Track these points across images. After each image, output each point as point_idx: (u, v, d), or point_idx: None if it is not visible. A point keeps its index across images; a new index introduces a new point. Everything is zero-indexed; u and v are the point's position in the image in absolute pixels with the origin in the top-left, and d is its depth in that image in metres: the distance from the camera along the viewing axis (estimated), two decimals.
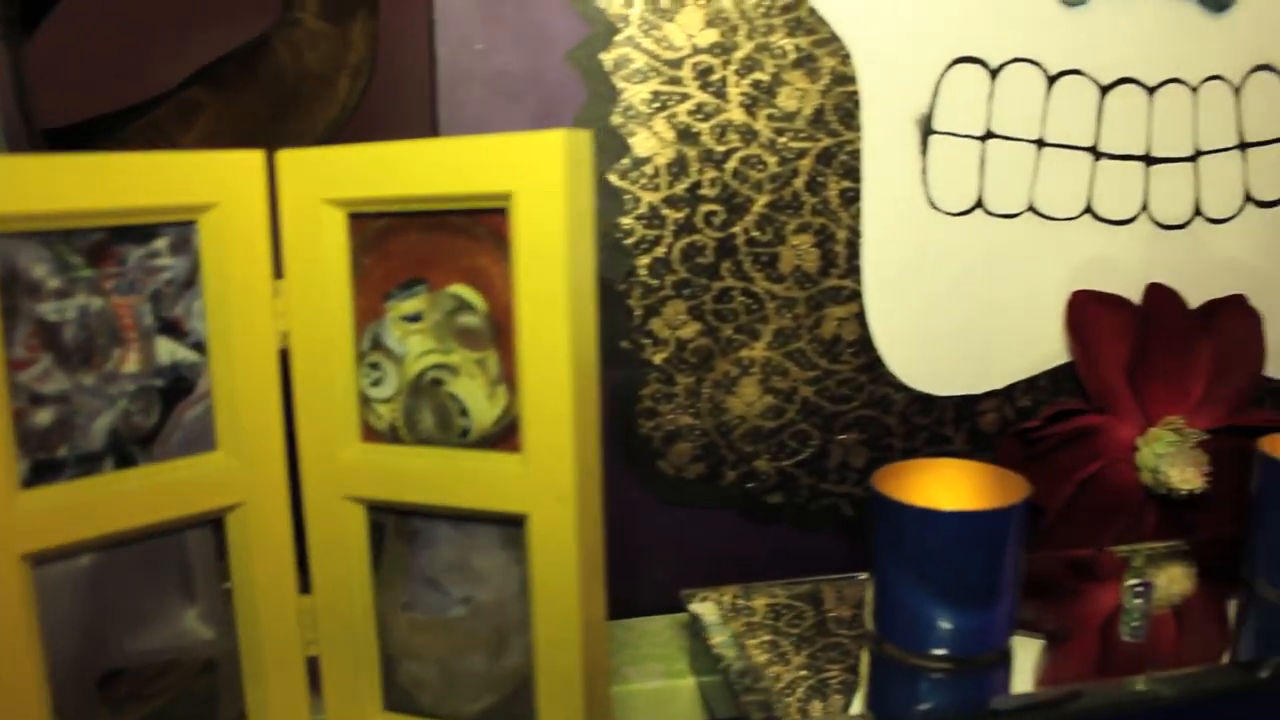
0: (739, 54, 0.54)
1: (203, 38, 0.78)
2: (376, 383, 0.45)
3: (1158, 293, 0.58)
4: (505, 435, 0.43)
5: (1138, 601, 0.50)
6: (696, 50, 0.53)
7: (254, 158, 0.44)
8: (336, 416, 0.45)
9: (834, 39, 0.54)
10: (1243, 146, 0.60)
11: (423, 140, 0.42)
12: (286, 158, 0.44)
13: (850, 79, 0.55)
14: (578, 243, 0.41)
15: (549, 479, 0.42)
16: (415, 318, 0.44)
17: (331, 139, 0.75)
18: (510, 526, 0.44)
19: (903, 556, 0.46)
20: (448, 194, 0.42)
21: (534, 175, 0.40)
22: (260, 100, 0.73)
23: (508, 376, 0.43)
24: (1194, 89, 0.59)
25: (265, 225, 0.45)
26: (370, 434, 0.46)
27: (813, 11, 0.54)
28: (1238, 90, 0.59)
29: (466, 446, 0.44)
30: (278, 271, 0.45)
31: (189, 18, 0.83)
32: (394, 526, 0.46)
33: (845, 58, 0.55)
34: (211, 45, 0.70)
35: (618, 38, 0.52)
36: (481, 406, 0.43)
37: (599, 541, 0.43)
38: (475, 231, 0.43)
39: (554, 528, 0.42)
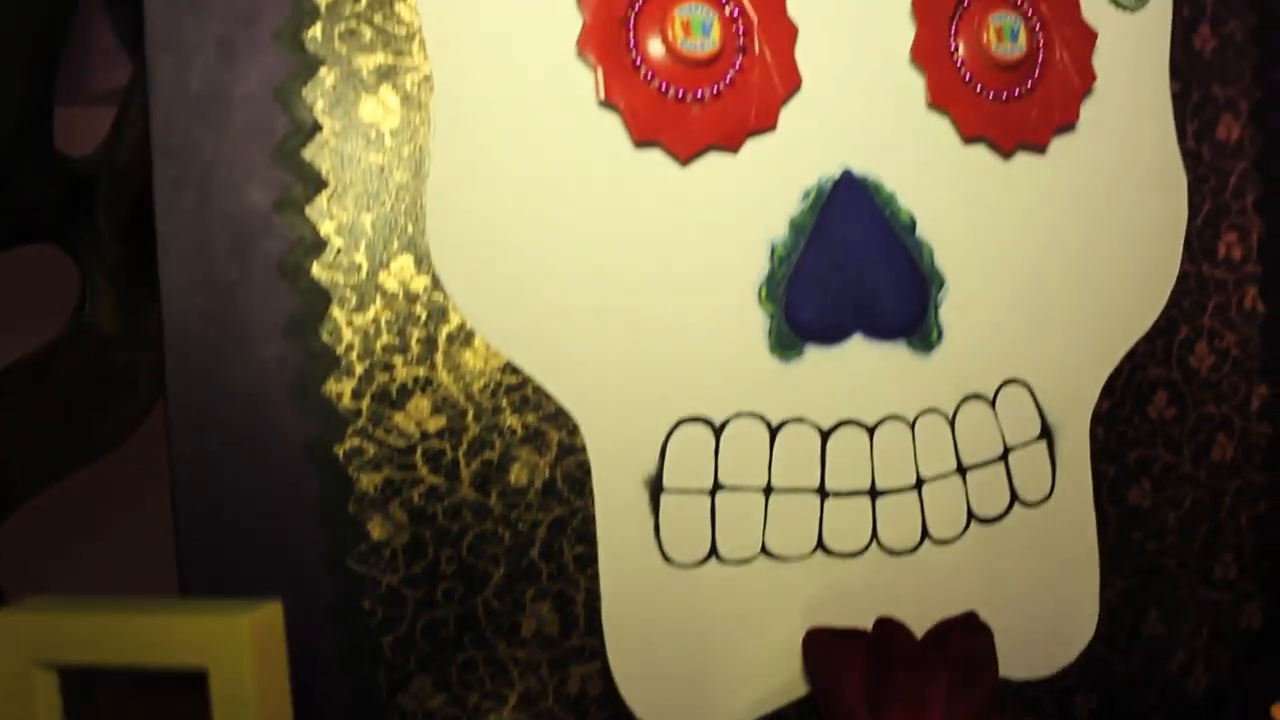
0: (468, 436, 0.57)
1: None
2: None
3: (885, 625, 0.61)
4: None
5: None
6: (426, 436, 0.56)
7: None
8: None
9: (561, 413, 0.58)
10: (961, 470, 0.64)
11: (124, 613, 0.44)
12: None
13: (579, 449, 0.58)
14: (269, 709, 0.43)
15: None
16: None
17: (135, 429, 0.76)
18: None
19: None
20: (150, 664, 0.44)
21: (223, 653, 0.42)
22: (54, 407, 0.74)
23: None
24: (911, 423, 0.63)
25: None
26: None
27: (538, 389, 0.57)
28: (952, 420, 0.64)
29: None
30: None
31: None
32: None
33: (573, 430, 0.58)
34: None
35: (349, 429, 0.55)
36: None
37: None
38: (181, 692, 0.44)
39: None
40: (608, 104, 0.57)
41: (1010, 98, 0.65)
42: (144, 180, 0.56)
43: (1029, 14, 0.66)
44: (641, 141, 0.58)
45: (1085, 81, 0.66)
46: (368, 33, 0.56)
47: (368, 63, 0.56)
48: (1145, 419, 0.70)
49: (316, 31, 0.56)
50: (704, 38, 0.58)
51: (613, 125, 0.58)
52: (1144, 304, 0.70)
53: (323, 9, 0.56)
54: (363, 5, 0.56)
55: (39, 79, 0.66)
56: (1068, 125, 0.66)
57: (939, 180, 0.64)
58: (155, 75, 0.55)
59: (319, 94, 0.55)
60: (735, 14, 0.60)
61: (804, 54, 0.61)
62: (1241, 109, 0.73)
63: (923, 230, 0.63)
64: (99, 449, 0.77)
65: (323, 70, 0.56)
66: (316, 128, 0.55)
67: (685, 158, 0.59)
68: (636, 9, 0.58)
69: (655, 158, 0.59)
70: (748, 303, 0.60)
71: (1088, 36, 0.66)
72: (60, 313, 0.77)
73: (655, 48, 0.58)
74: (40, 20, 0.68)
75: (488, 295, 0.57)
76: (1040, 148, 0.66)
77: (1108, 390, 0.69)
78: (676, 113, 0.58)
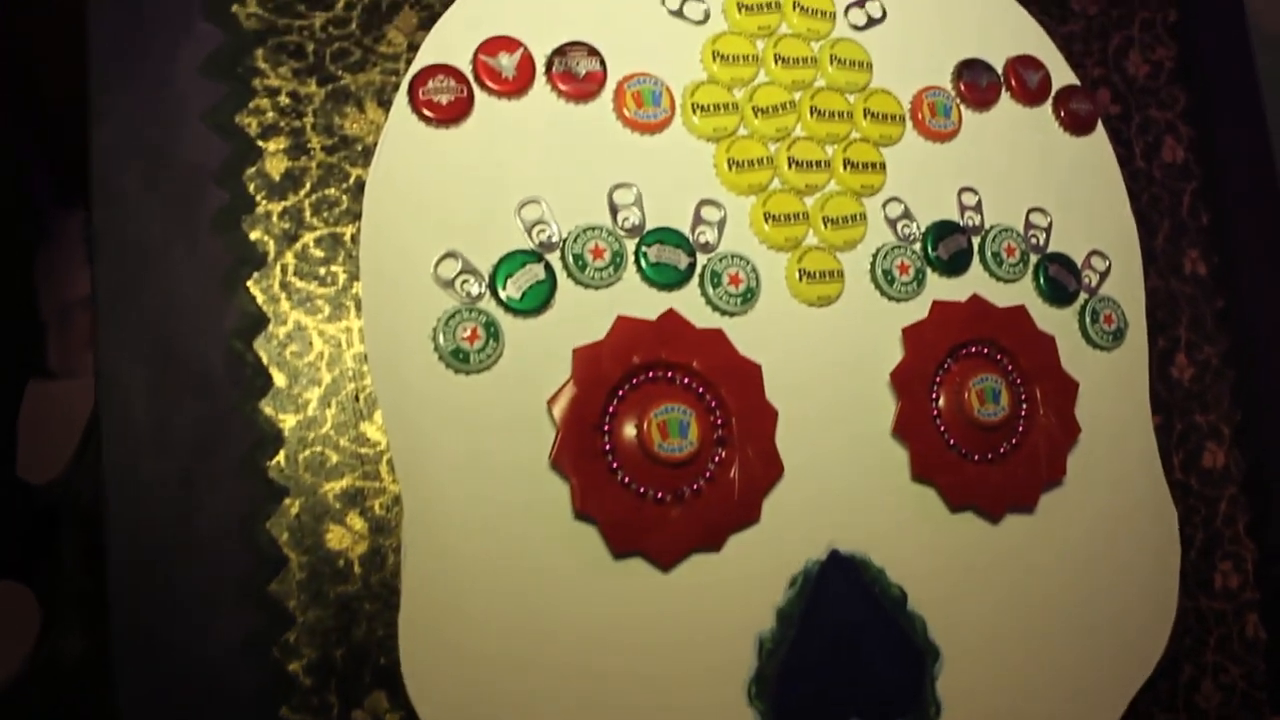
0: None
1: None
2: None
3: None
4: None
5: None
6: None
7: None
8: None
9: None
10: None
11: None
12: None
13: None
14: None
15: None
16: None
17: None
18: None
19: None
20: None
21: None
22: None
23: None
24: None
25: None
26: None
27: None
28: None
29: None
30: None
31: None
32: None
33: None
34: None
35: None
36: None
37: None
38: None
39: None
40: (584, 516, 0.55)
41: (996, 457, 0.64)
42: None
43: (1009, 370, 0.65)
44: (622, 554, 0.56)
45: (1070, 436, 0.65)
46: (334, 457, 0.54)
47: (334, 488, 0.54)
48: None
49: (281, 459, 0.54)
50: (682, 439, 0.57)
51: (591, 536, 0.56)
52: (1145, 648, 0.68)
53: (286, 433, 0.54)
54: (328, 429, 0.54)
55: None
56: (1055, 482, 0.64)
57: (928, 551, 0.62)
58: (115, 517, 0.52)
59: (284, 525, 0.53)
60: (713, 404, 0.58)
61: (784, 436, 0.59)
62: (1224, 433, 0.72)
63: (914, 603, 0.61)
64: None
65: (288, 500, 0.53)
66: (283, 561, 0.53)
67: (667, 565, 0.56)
68: (611, 412, 0.57)
69: (636, 565, 0.56)
70: (736, 703, 0.58)
71: (1069, 388, 0.65)
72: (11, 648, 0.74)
73: (632, 453, 0.56)
74: None
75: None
76: (1029, 508, 0.64)
77: None
78: (656, 517, 0.56)
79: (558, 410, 0.56)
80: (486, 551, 0.55)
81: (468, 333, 0.55)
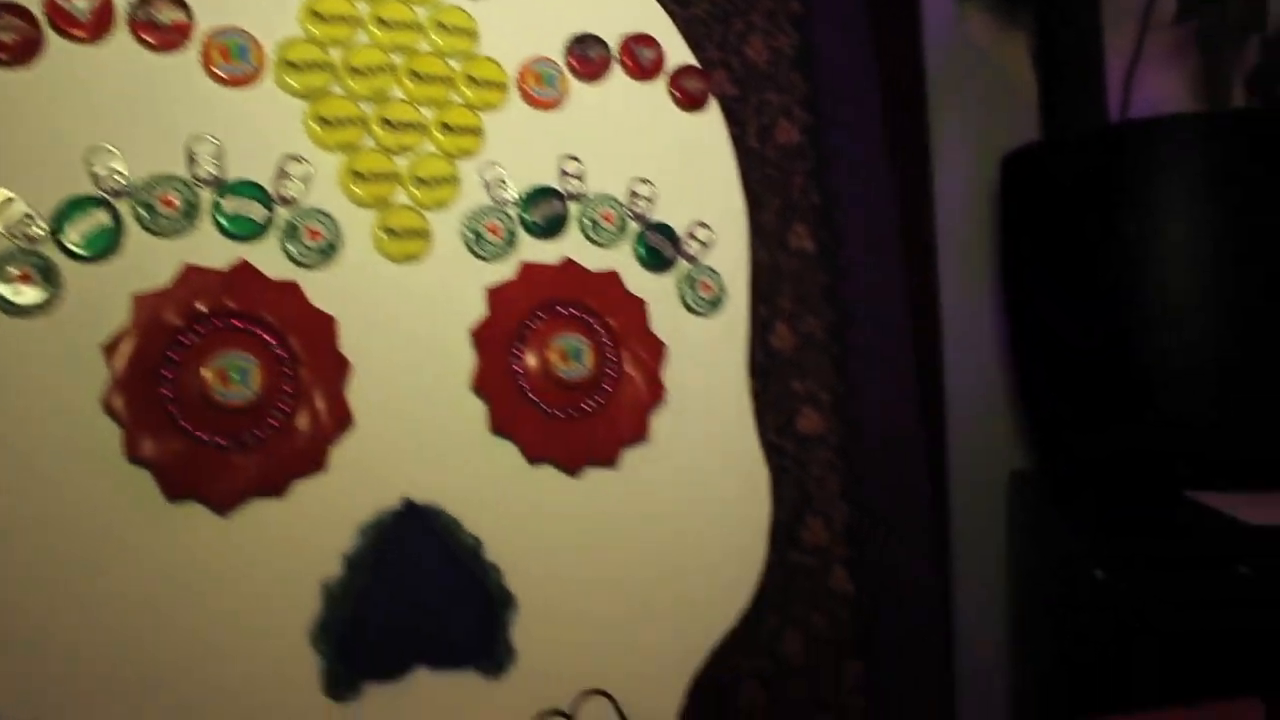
0: None
1: None
2: None
3: None
4: None
5: None
6: None
7: None
8: None
9: None
10: None
11: None
12: None
13: None
14: None
15: None
16: None
17: None
18: None
19: None
20: None
21: None
22: None
23: None
24: None
25: None
26: None
27: None
28: None
29: None
30: None
31: None
32: None
33: None
34: None
35: None
36: None
37: None
38: None
39: None
40: (137, 460, 0.56)
41: (578, 414, 0.67)
42: None
43: (597, 331, 0.67)
44: (175, 498, 0.56)
45: (655, 395, 0.69)
46: None
47: None
48: (736, 711, 0.71)
49: None
50: (243, 386, 0.58)
51: (144, 481, 0.57)
52: (729, 600, 0.72)
53: None
54: None
55: None
56: (637, 439, 0.68)
57: (506, 503, 0.65)
58: None
59: None
60: (283, 355, 0.60)
61: (359, 389, 0.61)
62: (823, 401, 0.77)
63: (491, 554, 0.64)
64: None
65: None
66: None
67: (225, 510, 0.57)
68: (175, 359, 0.57)
69: (193, 511, 0.57)
70: (299, 650, 0.59)
71: (656, 350, 0.69)
72: None
73: (193, 399, 0.57)
74: None
75: (13, 687, 0.54)
76: (610, 463, 0.67)
77: (696, 686, 0.69)
78: (216, 462, 0.58)
79: (115, 356, 0.56)
80: (32, 494, 0.55)
81: (18, 275, 0.55)
